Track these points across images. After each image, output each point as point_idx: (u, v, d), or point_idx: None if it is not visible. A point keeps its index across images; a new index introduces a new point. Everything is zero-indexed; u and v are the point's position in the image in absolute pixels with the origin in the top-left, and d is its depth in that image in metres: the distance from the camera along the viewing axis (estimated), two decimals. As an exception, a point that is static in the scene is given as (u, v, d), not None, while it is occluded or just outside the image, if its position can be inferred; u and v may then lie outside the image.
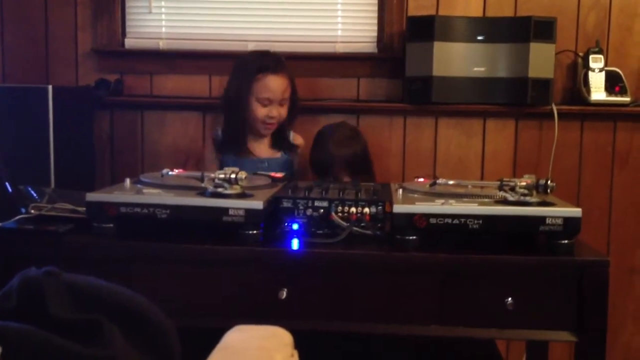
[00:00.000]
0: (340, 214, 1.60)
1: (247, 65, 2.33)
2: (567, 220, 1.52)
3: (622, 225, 2.73)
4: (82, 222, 1.63)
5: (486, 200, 1.61)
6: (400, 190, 1.67)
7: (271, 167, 2.33)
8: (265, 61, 2.32)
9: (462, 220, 1.52)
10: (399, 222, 1.54)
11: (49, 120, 2.29)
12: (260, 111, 2.30)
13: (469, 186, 1.78)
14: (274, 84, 2.29)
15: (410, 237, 1.54)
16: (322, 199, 1.61)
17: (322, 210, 1.61)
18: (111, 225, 1.60)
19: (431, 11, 2.66)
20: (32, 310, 0.72)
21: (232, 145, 2.35)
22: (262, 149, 2.40)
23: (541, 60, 2.52)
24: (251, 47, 2.77)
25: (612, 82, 2.61)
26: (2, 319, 0.71)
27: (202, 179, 1.63)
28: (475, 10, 2.69)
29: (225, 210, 1.54)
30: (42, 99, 2.29)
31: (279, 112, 2.32)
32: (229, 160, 2.32)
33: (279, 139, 2.40)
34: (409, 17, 2.63)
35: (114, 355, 0.71)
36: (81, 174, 2.59)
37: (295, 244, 1.57)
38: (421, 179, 1.87)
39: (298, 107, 2.42)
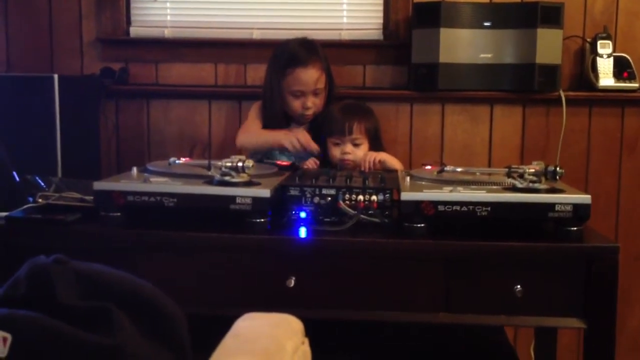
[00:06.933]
0: (347, 202, 1.59)
1: (278, 60, 2.30)
2: (577, 207, 1.51)
3: (631, 211, 2.72)
4: (90, 211, 1.64)
5: (494, 187, 1.61)
6: (408, 178, 1.66)
7: None
8: (294, 54, 2.28)
9: (471, 207, 1.51)
10: (407, 210, 1.53)
11: (55, 110, 2.28)
12: (295, 103, 2.28)
13: (477, 173, 1.77)
14: (304, 77, 2.26)
15: (418, 225, 1.54)
16: (329, 187, 1.61)
17: (329, 198, 1.60)
18: (118, 213, 1.60)
19: (437, -3, 2.65)
20: (41, 298, 0.72)
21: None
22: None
23: (548, 46, 2.50)
24: (256, 34, 2.76)
25: (620, 68, 2.58)
26: (11, 306, 0.71)
27: (209, 168, 1.63)
28: (482, -4, 2.67)
29: (232, 199, 1.53)
30: (47, 89, 2.28)
31: (314, 102, 2.29)
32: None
33: (316, 125, 2.37)
34: (414, 3, 2.62)
35: (122, 343, 0.71)
36: (87, 163, 2.58)
37: (302, 232, 1.56)
38: (428, 166, 1.87)
39: (334, 94, 2.38)
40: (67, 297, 0.73)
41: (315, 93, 2.28)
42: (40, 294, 0.73)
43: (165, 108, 2.79)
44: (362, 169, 2.10)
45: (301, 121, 2.34)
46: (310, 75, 2.26)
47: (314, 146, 2.16)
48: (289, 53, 2.29)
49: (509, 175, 1.62)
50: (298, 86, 2.26)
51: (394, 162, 2.17)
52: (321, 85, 2.29)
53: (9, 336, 0.67)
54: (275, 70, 2.30)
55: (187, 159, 1.82)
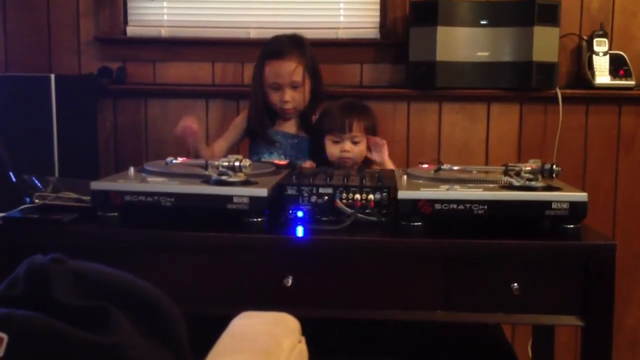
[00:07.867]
0: (344, 201, 1.59)
1: (262, 54, 2.34)
2: (573, 205, 1.51)
3: (628, 208, 2.72)
4: (87, 211, 1.63)
5: (491, 185, 1.61)
6: (405, 176, 1.66)
7: (301, 144, 2.35)
8: (274, 47, 2.32)
9: (468, 205, 1.52)
10: (404, 209, 1.53)
11: (52, 109, 2.28)
12: (273, 96, 2.30)
13: (474, 171, 1.77)
14: (280, 69, 2.27)
15: (415, 223, 1.54)
16: (326, 186, 1.61)
17: (326, 197, 1.60)
18: (116, 213, 1.59)
19: (434, -4, 2.65)
20: (39, 297, 0.72)
21: (255, 130, 2.35)
22: (291, 129, 2.39)
23: (545, 44, 2.50)
24: (253, 34, 2.77)
25: (617, 66, 2.59)
26: (9, 306, 0.71)
27: (206, 167, 1.63)
28: (479, -6, 2.67)
29: (229, 198, 1.53)
30: (44, 88, 2.28)
31: (293, 96, 2.29)
32: (267, 130, 2.34)
33: (304, 123, 2.38)
34: (411, 1, 2.62)
35: (120, 342, 0.71)
36: (85, 163, 2.58)
37: (299, 231, 1.56)
38: (425, 165, 1.87)
39: (321, 91, 2.39)
40: (66, 296, 0.73)
41: (292, 86, 2.29)
42: (38, 293, 0.73)
43: (163, 107, 2.79)
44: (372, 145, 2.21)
45: (282, 115, 2.35)
46: (287, 68, 2.27)
47: (190, 124, 2.24)
48: (269, 46, 2.33)
49: (505, 173, 1.62)
50: (274, 78, 2.28)
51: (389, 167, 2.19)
52: (297, 78, 2.29)
53: (5, 336, 0.67)
54: (257, 64, 2.34)
55: (185, 158, 1.82)
